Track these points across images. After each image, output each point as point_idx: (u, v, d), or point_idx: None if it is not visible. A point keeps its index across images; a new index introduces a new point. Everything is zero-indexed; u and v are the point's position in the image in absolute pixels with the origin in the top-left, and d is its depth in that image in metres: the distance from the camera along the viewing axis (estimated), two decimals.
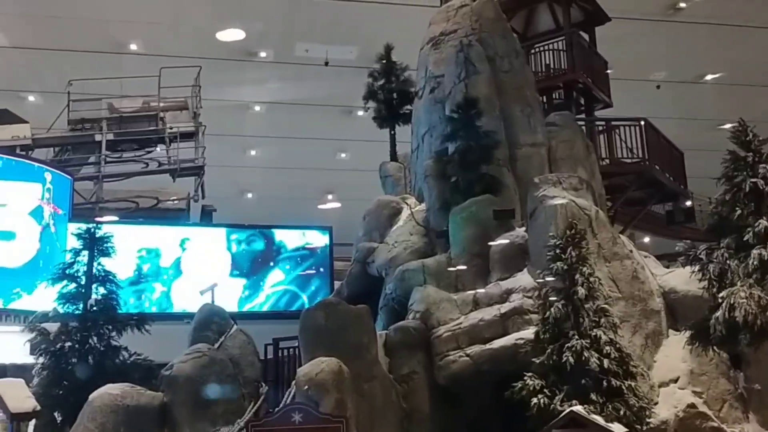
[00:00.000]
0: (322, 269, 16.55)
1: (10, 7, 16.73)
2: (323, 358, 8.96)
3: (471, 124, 11.87)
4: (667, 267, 11.53)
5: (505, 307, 10.14)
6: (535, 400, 8.43)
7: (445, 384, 10.10)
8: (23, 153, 15.69)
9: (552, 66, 15.78)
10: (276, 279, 16.36)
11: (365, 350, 9.73)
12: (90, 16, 16.94)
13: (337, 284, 15.35)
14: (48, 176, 14.61)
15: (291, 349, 11.74)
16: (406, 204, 13.08)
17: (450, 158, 11.97)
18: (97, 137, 16.75)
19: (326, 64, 19.08)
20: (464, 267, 11.11)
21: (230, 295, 15.40)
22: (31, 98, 20.22)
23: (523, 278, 10.38)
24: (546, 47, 15.90)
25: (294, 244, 16.73)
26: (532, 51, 16.02)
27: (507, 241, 10.88)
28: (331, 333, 9.51)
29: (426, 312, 10.56)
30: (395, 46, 15.54)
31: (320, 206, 26.59)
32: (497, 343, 9.86)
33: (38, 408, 9.39)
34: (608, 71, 16.97)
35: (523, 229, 11.04)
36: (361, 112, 19.79)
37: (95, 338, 10.77)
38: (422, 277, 11.26)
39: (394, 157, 15.17)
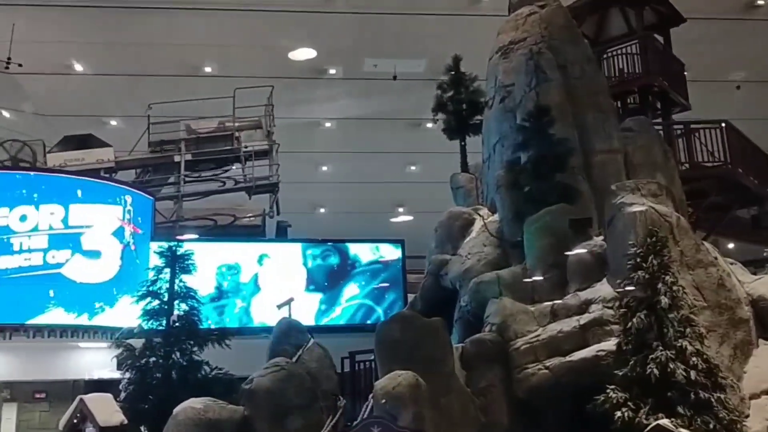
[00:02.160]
0: (395, 282, 16.62)
1: (93, 37, 17.52)
2: (400, 371, 8.95)
3: (543, 132, 11.68)
4: (755, 274, 11.03)
5: (584, 319, 9.90)
6: (618, 413, 8.18)
7: (524, 397, 9.91)
8: (107, 175, 16.39)
9: (626, 70, 15.40)
10: (351, 293, 16.53)
11: (441, 363, 9.67)
12: (167, 41, 17.55)
13: (410, 297, 15.35)
14: (128, 198, 15.23)
15: (367, 363, 11.79)
16: (479, 215, 12.97)
17: (523, 168, 11.82)
18: (176, 158, 17.36)
19: (395, 78, 19.19)
20: (540, 278, 10.91)
21: (307, 310, 15.63)
22: (113, 123, 21.11)
23: (603, 288, 10.12)
24: (619, 52, 15.53)
25: (367, 257, 16.88)
26: (605, 56, 15.67)
27: (584, 250, 10.64)
28: (407, 346, 9.50)
29: (502, 324, 10.41)
30: (463, 56, 15.51)
31: (392, 219, 26.68)
32: (577, 356, 9.62)
33: (125, 422, 9.73)
34: (685, 73, 16.46)
35: (601, 238, 10.77)
36: (430, 124, 19.81)
37: (178, 353, 11.10)
38: (497, 289, 11.11)
39: (465, 168, 15.10)
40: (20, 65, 17.30)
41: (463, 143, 15.29)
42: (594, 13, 16.02)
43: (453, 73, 15.33)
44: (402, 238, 17.54)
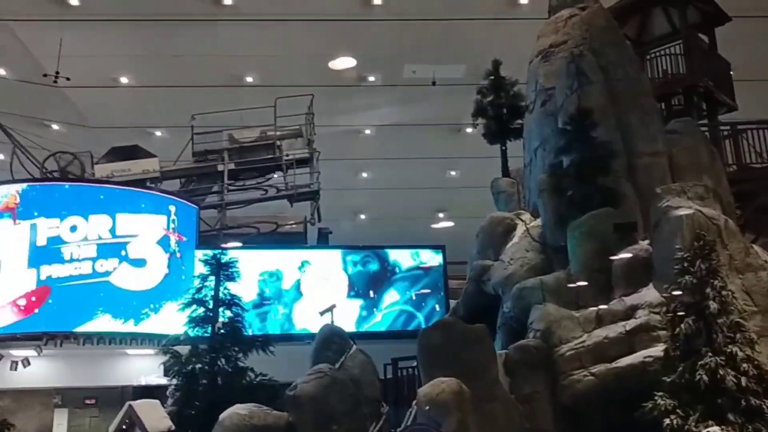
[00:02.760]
0: (436, 288, 16.58)
1: (138, 50, 17.90)
2: (443, 378, 8.93)
3: (585, 135, 11.55)
4: None
5: (630, 324, 9.75)
6: (667, 420, 8.04)
7: (569, 404, 9.79)
8: (153, 185, 16.72)
9: (670, 71, 15.13)
10: (392, 299, 16.54)
11: (485, 370, 9.62)
12: (209, 52, 17.83)
13: (452, 303, 15.31)
14: (173, 208, 15.51)
15: (410, 369, 11.78)
16: (521, 220, 12.87)
17: (565, 172, 11.70)
18: (220, 167, 17.62)
19: (434, 83, 19.18)
20: (585, 283, 10.77)
21: (348, 316, 15.70)
22: (158, 133, 21.52)
23: (649, 293, 9.96)
24: (662, 52, 15.27)
25: (408, 263, 16.88)
26: (648, 57, 15.42)
27: (630, 255, 10.48)
28: (450, 353, 9.48)
29: (546, 330, 10.31)
30: (503, 61, 15.43)
31: (433, 225, 26.62)
32: (624, 362, 9.49)
33: (173, 428, 9.90)
34: (731, 73, 16.10)
35: (647, 242, 10.60)
36: (470, 129, 19.79)
37: (223, 360, 11.23)
38: (541, 295, 11.02)
39: (506, 172, 15.01)
40: (68, 79, 17.74)
41: (503, 148, 15.20)
42: (636, 13, 15.80)
43: (493, 77, 15.26)
44: (443, 243, 17.50)
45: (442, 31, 17.46)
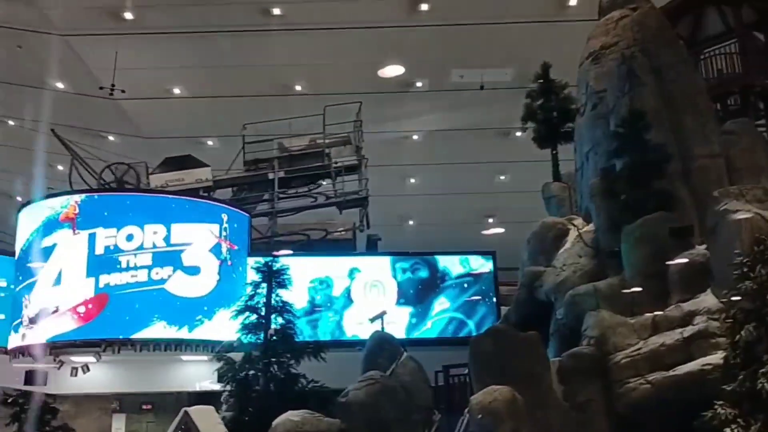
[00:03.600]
0: (487, 295, 16.45)
1: (190, 61, 18.28)
2: (496, 386, 8.85)
3: (638, 138, 11.33)
4: None
5: (688, 331, 9.51)
6: (727, 430, 7.83)
7: (625, 412, 9.59)
8: (206, 194, 17.03)
9: (725, 71, 14.75)
10: (442, 306, 16.47)
11: (538, 378, 9.51)
12: (259, 63, 18.09)
13: (503, 310, 15.17)
14: (225, 216, 15.75)
15: (461, 377, 11.71)
16: (573, 225, 12.68)
17: (618, 175, 11.49)
18: (270, 175, 17.85)
19: (482, 88, 19.09)
20: (640, 289, 10.55)
21: (398, 323, 15.69)
22: (210, 143, 21.93)
23: (707, 299, 9.70)
24: (717, 52, 14.90)
25: (458, 270, 16.79)
26: (702, 57, 15.07)
27: (686, 260, 10.23)
28: (502, 360, 9.40)
29: (601, 337, 10.12)
30: (552, 63, 15.26)
31: (484, 232, 26.42)
32: (681, 370, 9.25)
33: None
34: None
35: (704, 246, 10.33)
36: (519, 133, 19.61)
37: (276, 367, 11.33)
38: (594, 301, 10.83)
39: (557, 177, 14.81)
40: (123, 91, 18.24)
41: (554, 152, 15.01)
42: (688, 12, 15.47)
43: (542, 80, 15.09)
44: (493, 249, 17.36)
45: (489, 35, 17.37)
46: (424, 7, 16.51)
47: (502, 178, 24.37)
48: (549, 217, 13.59)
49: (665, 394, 9.28)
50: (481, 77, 18.88)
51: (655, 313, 10.11)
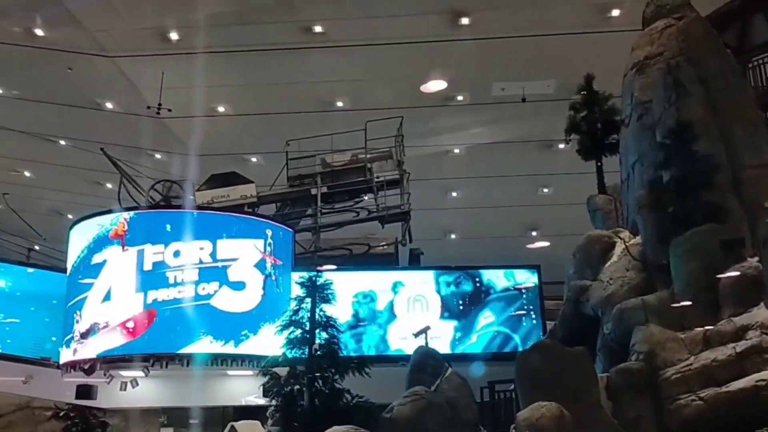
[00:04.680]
0: (532, 309, 16.27)
1: (233, 80, 18.60)
2: (543, 402, 8.73)
3: (686, 149, 11.12)
4: None
5: (741, 346, 9.27)
6: None
7: (677, 429, 9.36)
8: (250, 210, 17.24)
9: None
10: (486, 320, 16.34)
11: (586, 394, 9.35)
12: (301, 80, 18.32)
13: (549, 325, 14.98)
14: (269, 232, 15.92)
15: (507, 392, 11.58)
16: (619, 238, 12.47)
17: (665, 187, 11.28)
18: (313, 191, 17.99)
19: (523, 100, 18.99)
20: (689, 303, 10.32)
21: (442, 337, 15.61)
22: (254, 159, 22.23)
23: (760, 313, 9.44)
24: (765, 60, 14.60)
25: (502, 284, 16.65)
26: (750, 65, 14.78)
27: (738, 273, 9.97)
28: (549, 376, 9.27)
29: (650, 353, 9.92)
30: (595, 74, 15.10)
31: (529, 246, 26.18)
32: (735, 386, 9.01)
33: None
34: None
35: (756, 259, 10.06)
36: (562, 146, 19.42)
37: (320, 381, 11.35)
38: (643, 316, 10.63)
39: (602, 189, 14.61)
40: (170, 110, 18.63)
41: (599, 164, 14.81)
42: (735, 21, 15.21)
43: (585, 92, 14.93)
44: (538, 263, 17.18)
45: (531, 47, 17.30)
46: (465, 21, 16.51)
47: (546, 190, 24.15)
48: (595, 230, 13.41)
49: (718, 410, 9.04)
50: (523, 90, 18.79)
51: (706, 327, 9.87)
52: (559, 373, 9.29)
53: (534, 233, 26.49)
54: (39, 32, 16.77)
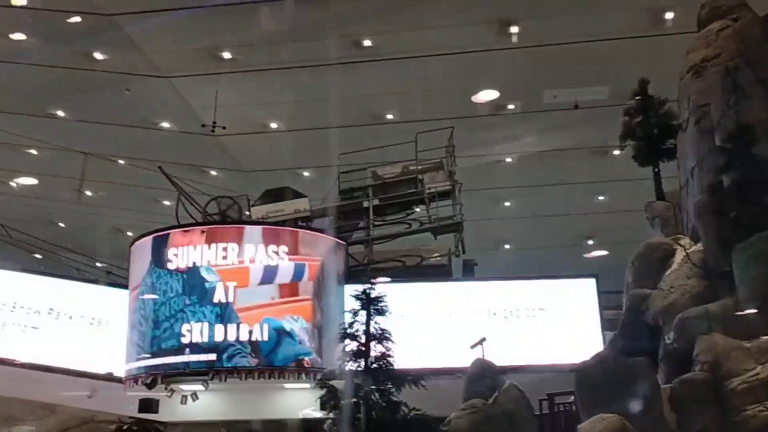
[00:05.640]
0: (590, 320, 15.98)
1: (285, 96, 18.88)
2: (604, 414, 8.57)
3: (747, 152, 10.79)
4: None
5: None
6: None
7: None
8: (304, 224, 17.43)
9: None
10: None
11: (648, 405, 9.14)
12: (351, 94, 18.46)
13: (607, 335, 14.69)
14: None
15: (566, 404, 11.38)
16: (680, 245, 12.16)
17: (726, 192, 10.95)
18: (365, 204, 18.08)
19: (576, 107, 18.75)
20: (755, 311, 9.99)
21: (499, 349, 15.42)
22: (306, 174, 22.48)
23: None
24: None
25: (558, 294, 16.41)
26: None
27: None
28: (610, 388, 9.10)
29: (714, 363, 9.63)
30: (650, 79, 14.81)
31: (586, 255, 25.77)
32: None
33: None
34: None
35: None
36: (617, 152, 19.11)
37: (377, 394, 11.35)
38: (706, 325, 10.31)
39: (660, 195, 14.27)
40: (224, 128, 19.02)
41: (656, 170, 14.48)
42: None
43: (640, 97, 14.65)
44: (594, 272, 16.89)
45: (582, 54, 17.09)
46: (514, 29, 16.42)
47: (601, 198, 23.75)
48: (654, 237, 13.11)
49: None
50: (575, 96, 18.56)
51: None
52: (620, 384, 9.11)
53: (590, 242, 26.07)
54: (98, 56, 17.35)
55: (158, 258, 15.52)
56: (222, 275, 15.08)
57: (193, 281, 15.05)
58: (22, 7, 15.49)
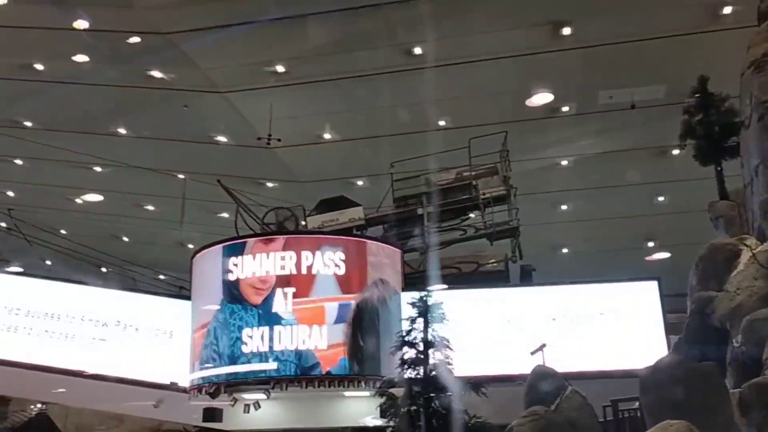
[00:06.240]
0: (653, 323, 15.62)
1: (338, 106, 19.09)
2: (671, 421, 8.33)
3: None
4: None
5: None
6: None
7: None
8: (359, 233, 17.55)
9: None
10: None
11: (717, 411, 8.84)
12: (403, 102, 18.56)
13: (672, 339, 14.33)
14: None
15: (631, 411, 11.14)
16: (745, 245, 11.78)
17: None
18: (419, 211, 18.07)
19: (632, 107, 18.40)
20: None
21: (560, 355, 15.19)
22: (359, 183, 22.64)
23: None
24: None
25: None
26: None
27: None
28: (677, 393, 8.85)
29: None
30: (709, 76, 14.43)
31: (647, 258, 25.22)
32: None
33: None
34: None
35: None
36: (676, 152, 18.68)
37: (437, 402, 11.33)
38: None
39: (723, 194, 13.86)
40: (279, 140, 19.32)
41: (718, 168, 14.09)
42: None
43: (699, 94, 14.28)
44: (656, 275, 16.50)
45: (637, 52, 16.77)
46: (567, 31, 16.23)
47: (661, 199, 23.23)
48: (718, 238, 12.75)
49: None
50: (632, 96, 18.22)
51: None
52: (687, 390, 8.85)
53: (650, 244, 25.50)
54: (156, 74, 17.84)
55: (230, 294, 15.61)
56: (297, 315, 15.14)
57: (268, 317, 15.17)
58: (84, 29, 16.04)
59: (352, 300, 15.41)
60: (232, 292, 15.52)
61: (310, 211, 18.33)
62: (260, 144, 19.49)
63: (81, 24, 15.93)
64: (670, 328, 15.40)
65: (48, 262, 27.75)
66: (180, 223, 23.95)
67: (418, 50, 17.00)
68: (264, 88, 18.22)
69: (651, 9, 15.66)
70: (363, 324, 15.35)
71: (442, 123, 19.97)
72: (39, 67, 17.57)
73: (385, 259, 16.30)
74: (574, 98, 18.95)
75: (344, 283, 15.49)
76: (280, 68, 17.66)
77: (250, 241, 15.87)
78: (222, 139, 20.87)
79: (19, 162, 22.45)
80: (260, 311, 15.15)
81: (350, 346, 15.06)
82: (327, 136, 20.66)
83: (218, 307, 15.61)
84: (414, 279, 17.03)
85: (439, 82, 17.98)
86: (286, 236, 15.95)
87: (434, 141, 19.06)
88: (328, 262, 15.46)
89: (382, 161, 18.80)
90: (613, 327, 15.86)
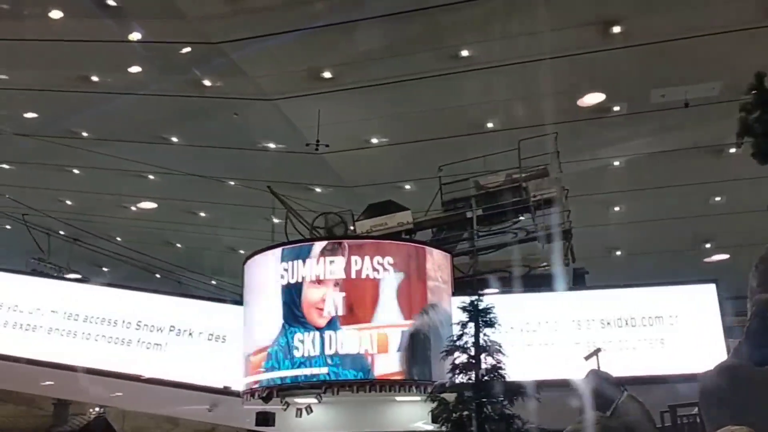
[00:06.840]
0: (711, 327, 15.20)
1: (385, 111, 19.10)
2: (733, 426, 8.07)
3: None
4: None
5: None
6: None
7: None
8: (408, 237, 17.52)
9: None
10: None
11: None
12: (450, 105, 18.46)
13: (731, 343, 13.90)
14: None
15: (690, 416, 10.86)
16: None
17: None
18: (468, 214, 17.95)
19: (686, 105, 17.94)
20: None
21: (615, 359, 14.91)
22: (407, 187, 22.60)
23: None
24: None
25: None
26: None
27: None
28: (737, 399, 8.60)
29: None
30: (766, 72, 13.98)
31: (705, 260, 24.55)
32: None
33: None
34: None
35: None
36: (733, 150, 18.15)
37: (489, 407, 11.23)
38: None
39: None
40: (327, 146, 19.43)
41: None
42: None
43: (756, 91, 13.84)
44: (714, 277, 16.05)
45: (690, 49, 16.33)
46: (617, 29, 15.93)
47: (718, 199, 22.58)
48: None
49: None
50: (685, 94, 17.76)
51: None
52: (748, 394, 8.59)
53: (708, 245, 24.81)
54: (207, 83, 18.15)
55: (292, 315, 15.52)
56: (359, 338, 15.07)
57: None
58: (138, 41, 16.43)
59: (409, 324, 15.31)
60: (294, 313, 15.39)
61: (359, 215, 18.38)
62: (309, 150, 19.63)
63: (135, 36, 16.31)
64: (729, 332, 14.97)
65: (105, 269, 28.51)
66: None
67: (465, 53, 16.88)
68: (312, 95, 18.35)
69: (704, 4, 15.26)
70: (418, 337, 15.27)
71: (490, 125, 19.80)
72: (95, 78, 18.04)
73: (439, 274, 16.13)
74: (626, 97, 18.56)
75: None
76: (327, 74, 17.76)
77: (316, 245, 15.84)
78: (271, 145, 21.09)
79: (76, 171, 23.08)
80: (323, 334, 15.10)
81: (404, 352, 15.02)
82: (374, 140, 20.69)
83: (278, 331, 15.52)
84: (464, 283, 16.93)
85: (486, 85, 17.85)
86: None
87: (483, 143, 18.93)
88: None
89: (429, 165, 18.74)
90: (669, 331, 15.48)
